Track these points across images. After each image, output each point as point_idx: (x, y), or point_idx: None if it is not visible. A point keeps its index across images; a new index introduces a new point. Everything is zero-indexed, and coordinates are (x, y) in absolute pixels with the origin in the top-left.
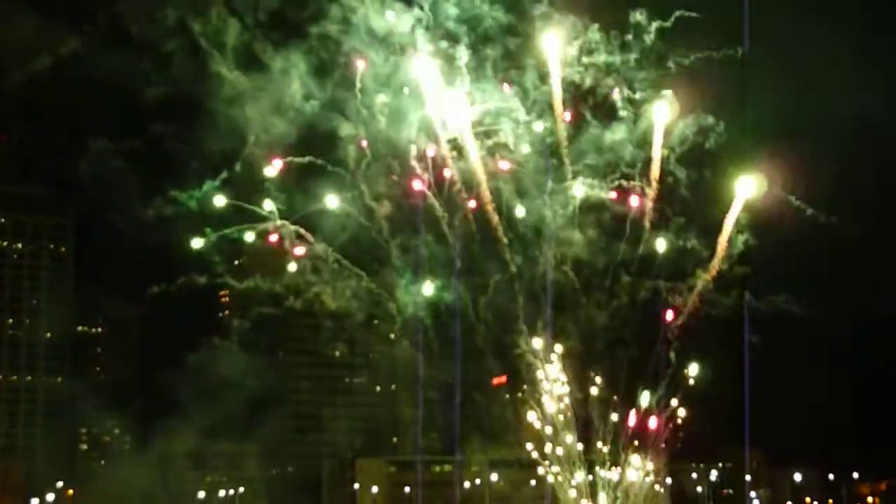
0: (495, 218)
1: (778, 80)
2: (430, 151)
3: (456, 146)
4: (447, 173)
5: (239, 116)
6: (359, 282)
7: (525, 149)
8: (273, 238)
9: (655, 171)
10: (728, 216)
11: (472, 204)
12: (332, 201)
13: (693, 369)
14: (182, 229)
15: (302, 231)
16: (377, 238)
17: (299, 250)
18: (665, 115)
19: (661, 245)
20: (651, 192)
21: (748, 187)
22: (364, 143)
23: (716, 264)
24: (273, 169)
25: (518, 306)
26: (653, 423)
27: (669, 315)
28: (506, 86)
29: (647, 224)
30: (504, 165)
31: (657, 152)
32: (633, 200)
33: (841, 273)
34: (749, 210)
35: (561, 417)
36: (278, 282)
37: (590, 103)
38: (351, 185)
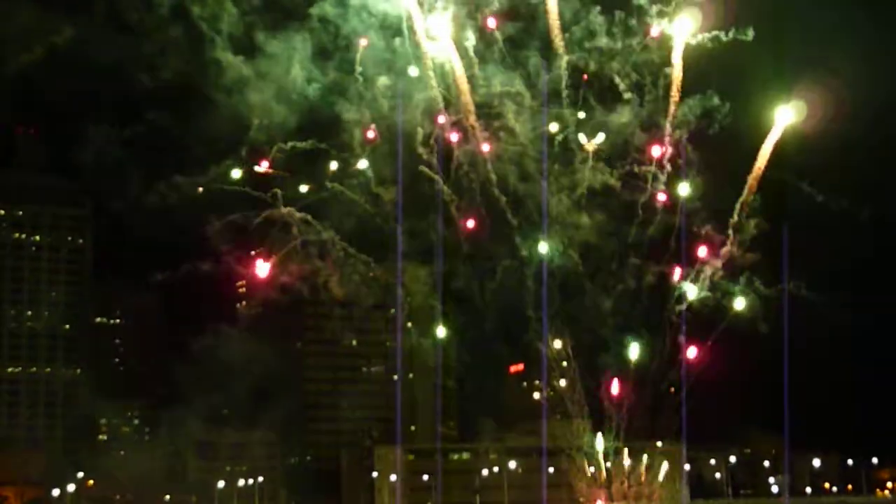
0: (503, 200)
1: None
2: (441, 126)
3: (462, 128)
4: (455, 155)
5: (248, 103)
6: (367, 269)
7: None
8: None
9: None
10: (762, 148)
11: (470, 224)
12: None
13: (739, 303)
14: (192, 217)
15: (309, 218)
16: (383, 224)
17: (261, 272)
18: (687, 30)
19: (683, 190)
20: (668, 125)
21: (787, 116)
22: (371, 134)
23: (746, 198)
24: (238, 172)
25: (527, 292)
26: (691, 352)
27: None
28: (491, 21)
29: (659, 205)
30: (486, 147)
31: (678, 69)
32: (655, 151)
33: (861, 260)
34: (762, 194)
35: (574, 405)
36: (287, 271)
37: (594, 87)
38: (356, 169)
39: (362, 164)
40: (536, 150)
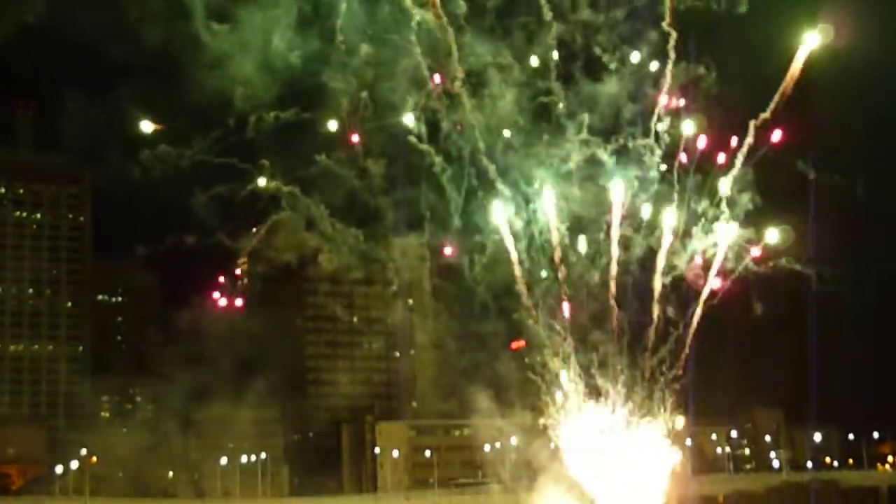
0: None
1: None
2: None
3: (450, 96)
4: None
5: (231, 73)
6: (356, 243)
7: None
8: None
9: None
10: (791, 67)
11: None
12: (332, 125)
13: (772, 235)
14: (189, 192)
15: (296, 191)
16: (370, 198)
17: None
18: None
19: (688, 128)
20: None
21: (813, 40)
22: (355, 138)
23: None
24: (149, 126)
25: (514, 266)
26: (715, 283)
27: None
28: None
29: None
30: (473, 116)
31: None
32: (662, 100)
33: (863, 235)
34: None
35: (569, 382)
36: (275, 245)
37: (582, 61)
38: (343, 141)
39: (408, 119)
40: (526, 119)
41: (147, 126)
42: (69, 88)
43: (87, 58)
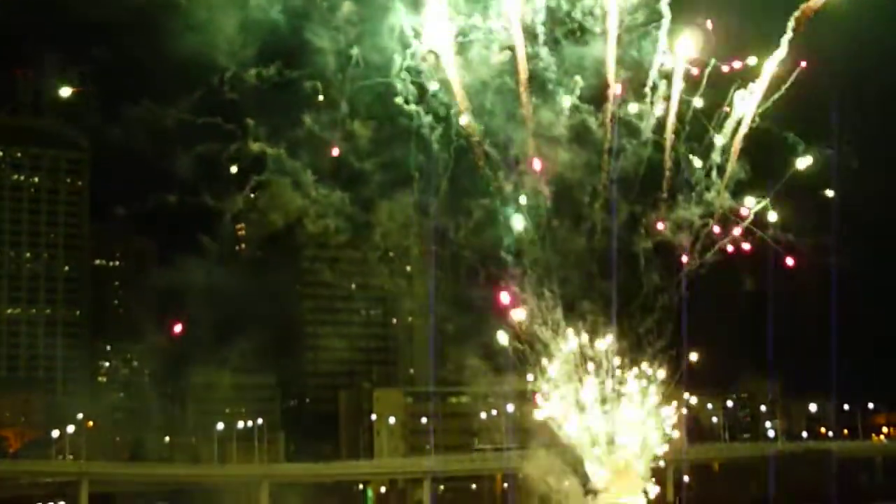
0: (477, 136)
1: None
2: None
3: (436, 56)
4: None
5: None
6: (342, 205)
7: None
8: None
9: None
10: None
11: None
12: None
13: (802, 162)
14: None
15: (282, 153)
16: (356, 161)
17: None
18: None
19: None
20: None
21: None
22: (335, 151)
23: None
24: (67, 91)
25: (500, 231)
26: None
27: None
28: None
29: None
30: (458, 77)
31: None
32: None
33: (860, 204)
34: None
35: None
36: (270, 208)
37: (568, 27)
38: (329, 102)
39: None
40: (513, 82)
41: (66, 91)
42: (61, 52)
43: (73, 18)
